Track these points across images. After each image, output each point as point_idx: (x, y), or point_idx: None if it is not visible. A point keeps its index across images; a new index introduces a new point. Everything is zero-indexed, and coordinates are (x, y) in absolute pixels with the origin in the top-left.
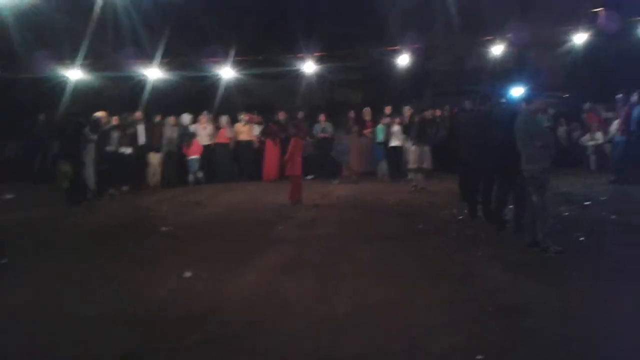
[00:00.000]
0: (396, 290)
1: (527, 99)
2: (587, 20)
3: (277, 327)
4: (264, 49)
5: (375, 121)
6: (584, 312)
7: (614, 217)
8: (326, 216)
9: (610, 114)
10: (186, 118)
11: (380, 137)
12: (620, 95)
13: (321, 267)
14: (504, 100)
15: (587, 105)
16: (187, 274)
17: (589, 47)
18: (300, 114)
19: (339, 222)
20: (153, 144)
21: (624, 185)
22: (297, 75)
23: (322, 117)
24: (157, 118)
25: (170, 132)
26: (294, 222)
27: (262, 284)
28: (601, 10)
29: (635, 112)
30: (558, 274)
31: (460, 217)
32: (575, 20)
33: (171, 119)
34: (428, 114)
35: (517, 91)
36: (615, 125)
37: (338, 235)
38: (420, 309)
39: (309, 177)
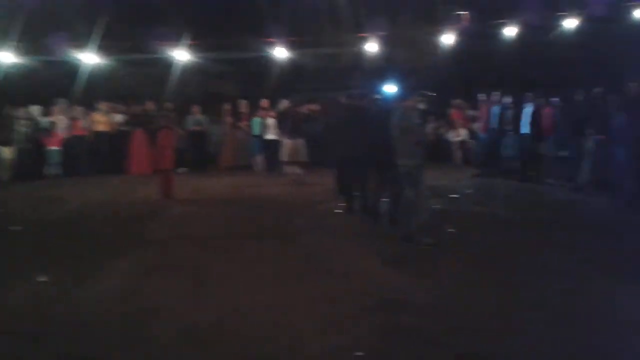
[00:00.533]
0: (275, 290)
1: (401, 97)
2: (452, 21)
3: (138, 341)
4: (133, 35)
5: (251, 114)
6: (458, 303)
7: (479, 209)
8: (200, 213)
9: (473, 112)
10: (35, 109)
11: (257, 130)
12: (482, 95)
13: (194, 269)
14: (378, 96)
15: (452, 103)
16: (39, 279)
17: (456, 48)
18: (169, 105)
19: (213, 218)
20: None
21: (486, 178)
22: (169, 64)
23: (195, 109)
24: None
25: (22, 123)
26: (164, 220)
27: (125, 290)
28: (465, 13)
29: (494, 111)
30: (432, 267)
31: (338, 211)
32: (442, 22)
33: (21, 110)
34: (302, 108)
35: (390, 88)
36: (478, 122)
37: (213, 233)
38: (300, 308)
39: (181, 170)
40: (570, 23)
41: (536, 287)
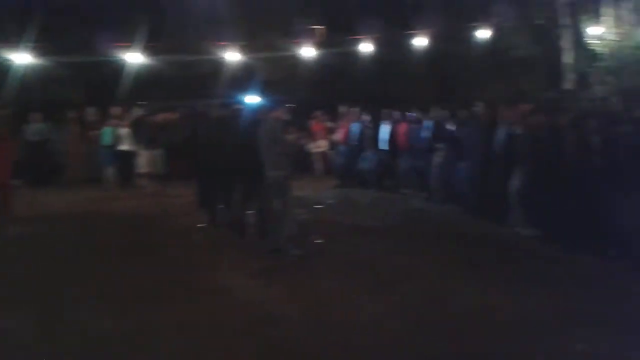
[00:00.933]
0: (134, 316)
1: (268, 108)
2: (308, 35)
3: None
4: None
5: (102, 122)
6: (330, 316)
7: (343, 218)
8: (42, 231)
9: (333, 124)
10: None
11: (108, 140)
12: (343, 107)
13: (36, 297)
14: (241, 107)
15: (313, 115)
16: None
17: (316, 60)
18: (4, 112)
19: (58, 237)
20: None
21: (346, 189)
22: (7, 68)
23: (35, 117)
24: None
25: None
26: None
27: None
28: (321, 27)
29: (353, 127)
30: (302, 278)
31: (201, 224)
32: (299, 35)
33: None
34: (158, 117)
35: (252, 99)
36: (337, 134)
37: (59, 253)
38: (165, 334)
39: (16, 182)
40: (421, 41)
41: (404, 292)
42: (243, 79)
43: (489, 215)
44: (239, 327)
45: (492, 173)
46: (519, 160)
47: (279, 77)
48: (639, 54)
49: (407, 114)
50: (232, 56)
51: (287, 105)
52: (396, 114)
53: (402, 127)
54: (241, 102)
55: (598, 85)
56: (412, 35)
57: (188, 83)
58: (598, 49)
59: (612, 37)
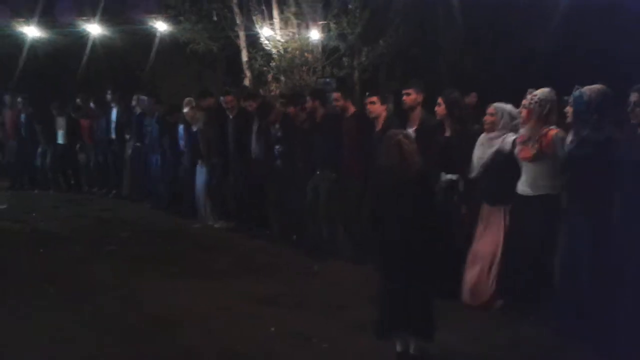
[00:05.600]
0: None
1: None
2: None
3: None
4: None
5: None
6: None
7: (20, 227)
8: None
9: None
10: None
11: None
12: (7, 97)
13: None
14: None
15: None
16: None
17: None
18: None
19: None
20: None
21: (22, 191)
22: None
23: None
24: None
25: None
26: None
27: None
28: None
29: (22, 120)
30: None
31: None
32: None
33: None
34: None
35: None
36: (3, 128)
37: None
38: None
39: None
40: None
41: (97, 302)
42: None
43: (181, 211)
44: None
45: (180, 168)
46: (203, 154)
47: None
48: (304, 55)
49: (91, 105)
50: None
51: None
52: (80, 104)
53: (85, 122)
54: None
55: (274, 83)
56: (87, 22)
57: None
58: (270, 50)
59: (280, 38)
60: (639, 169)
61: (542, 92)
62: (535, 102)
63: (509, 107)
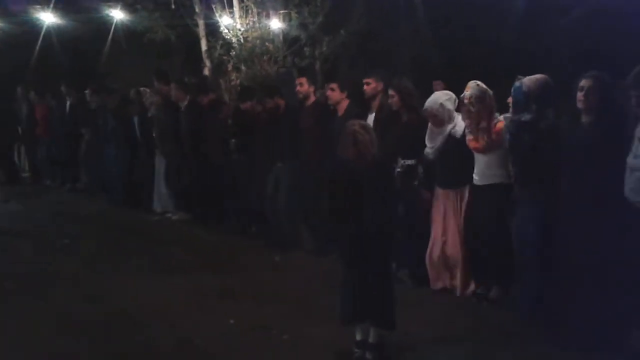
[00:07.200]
0: None
1: None
2: None
3: None
4: None
5: None
6: None
7: None
8: None
9: None
10: None
11: None
12: None
13: None
14: None
15: None
16: None
17: None
18: None
19: None
20: None
21: None
22: None
23: None
24: None
25: None
26: None
27: None
28: None
29: None
30: None
31: None
32: None
33: None
34: None
35: None
36: None
37: None
38: None
39: None
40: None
41: (53, 297)
42: None
43: (138, 203)
44: None
45: (136, 159)
46: (157, 142)
47: None
48: (265, 45)
49: (31, 95)
50: None
51: None
52: (32, 95)
53: (41, 110)
54: None
55: (234, 73)
56: (41, 10)
57: None
58: (230, 39)
59: (240, 27)
60: (582, 154)
61: (472, 89)
62: (474, 100)
63: (443, 98)
